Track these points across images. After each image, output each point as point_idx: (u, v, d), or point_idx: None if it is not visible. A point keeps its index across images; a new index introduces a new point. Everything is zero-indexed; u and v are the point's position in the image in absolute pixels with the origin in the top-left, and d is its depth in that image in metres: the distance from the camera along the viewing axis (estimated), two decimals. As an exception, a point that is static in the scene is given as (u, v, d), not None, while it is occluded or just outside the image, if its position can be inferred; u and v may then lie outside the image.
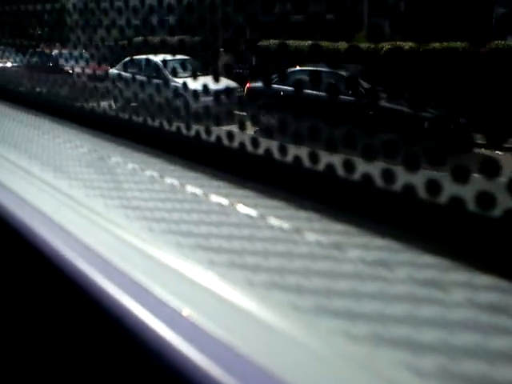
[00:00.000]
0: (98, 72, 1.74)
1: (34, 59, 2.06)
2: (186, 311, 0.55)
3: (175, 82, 1.42)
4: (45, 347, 0.86)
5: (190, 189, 1.01)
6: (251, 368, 0.46)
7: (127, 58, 1.82)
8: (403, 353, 0.49)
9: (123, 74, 1.66)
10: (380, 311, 0.56)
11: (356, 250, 0.71)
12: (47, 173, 1.12)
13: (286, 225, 0.81)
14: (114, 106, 1.61)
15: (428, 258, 0.68)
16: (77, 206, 0.92)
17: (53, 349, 0.82)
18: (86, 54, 1.72)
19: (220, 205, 0.92)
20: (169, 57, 1.58)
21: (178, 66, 1.52)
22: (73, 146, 1.41)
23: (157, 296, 0.59)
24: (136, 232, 0.79)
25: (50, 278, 0.77)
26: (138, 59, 1.64)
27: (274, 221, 0.83)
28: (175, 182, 1.06)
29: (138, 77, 1.52)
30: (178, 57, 1.44)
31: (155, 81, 1.44)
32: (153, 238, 0.77)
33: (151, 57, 1.44)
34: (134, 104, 1.50)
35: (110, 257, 0.69)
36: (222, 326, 0.52)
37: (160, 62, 2.31)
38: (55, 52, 1.95)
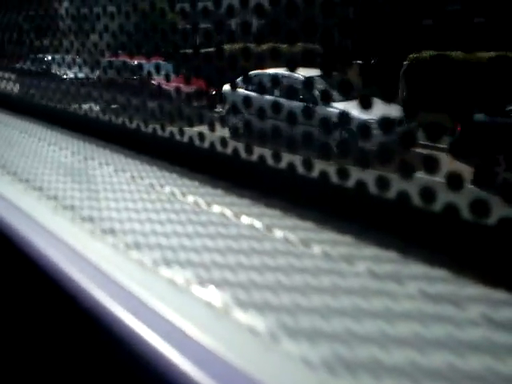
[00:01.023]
0: (209, 90, 1.25)
1: (109, 72, 1.58)
2: (184, 325, 0.53)
3: (331, 107, 0.94)
4: (31, 355, 0.83)
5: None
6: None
7: (253, 72, 1.31)
8: (363, 374, 0.45)
9: (247, 93, 1.15)
10: (348, 329, 0.52)
11: (340, 263, 0.67)
12: (60, 193, 1.08)
13: (289, 236, 0.77)
14: (228, 136, 1.11)
15: (416, 268, 0.64)
16: (65, 211, 0.92)
17: (39, 355, 0.80)
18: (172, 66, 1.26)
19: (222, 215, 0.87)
20: (311, 72, 1.07)
21: (328, 85, 1.01)
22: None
23: (150, 307, 0.57)
24: (127, 241, 0.77)
25: (33, 279, 0.75)
26: (271, 75, 1.17)
27: (274, 233, 0.78)
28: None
29: (270, 98, 1.02)
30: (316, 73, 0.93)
31: (301, 105, 0.93)
32: (146, 248, 0.74)
33: (291, 72, 0.94)
34: (263, 134, 0.98)
35: (99, 264, 0.67)
36: (216, 338, 0.50)
37: (307, 80, 1.77)
38: (137, 63, 1.48)
